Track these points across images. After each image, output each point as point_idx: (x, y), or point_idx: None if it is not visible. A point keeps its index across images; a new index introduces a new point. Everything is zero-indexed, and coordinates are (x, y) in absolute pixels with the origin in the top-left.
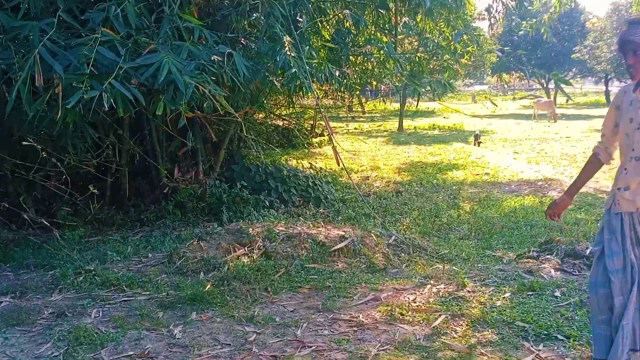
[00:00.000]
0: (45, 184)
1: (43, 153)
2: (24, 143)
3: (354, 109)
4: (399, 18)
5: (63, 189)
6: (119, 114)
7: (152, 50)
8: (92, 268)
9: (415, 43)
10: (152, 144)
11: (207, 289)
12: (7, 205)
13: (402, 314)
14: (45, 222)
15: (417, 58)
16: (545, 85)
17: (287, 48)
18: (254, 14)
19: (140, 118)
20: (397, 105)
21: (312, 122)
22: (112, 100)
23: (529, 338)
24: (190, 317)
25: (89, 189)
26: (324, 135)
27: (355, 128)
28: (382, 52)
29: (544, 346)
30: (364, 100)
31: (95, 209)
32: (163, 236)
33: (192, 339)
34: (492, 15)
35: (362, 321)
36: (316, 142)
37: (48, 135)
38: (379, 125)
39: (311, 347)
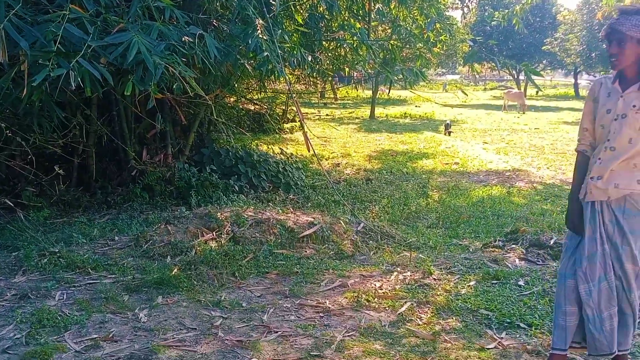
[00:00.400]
0: (9, 163)
1: (7, 132)
2: None
3: (326, 96)
4: (372, 4)
5: (28, 169)
6: (87, 94)
7: (122, 29)
8: (57, 250)
9: (389, 30)
10: (120, 125)
11: (173, 273)
12: None
13: (368, 301)
14: (9, 203)
15: (390, 45)
16: (516, 76)
17: (259, 31)
18: None
19: (109, 98)
20: (369, 93)
21: (283, 108)
22: (79, 79)
23: (492, 326)
24: (156, 301)
25: (54, 170)
26: (295, 121)
27: (327, 114)
28: (355, 38)
29: (506, 334)
30: (336, 86)
31: (61, 190)
32: (130, 219)
33: (158, 322)
34: (465, 4)
35: (329, 307)
36: (287, 128)
37: (13, 114)
38: (351, 112)
39: (277, 332)
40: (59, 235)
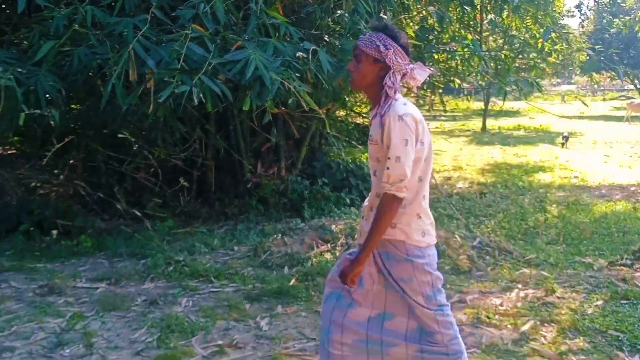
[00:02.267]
0: (135, 176)
1: (136, 146)
2: (119, 136)
3: (434, 108)
4: (484, 15)
5: (152, 182)
6: (207, 109)
7: (240, 46)
8: (182, 259)
9: (500, 40)
10: (236, 139)
11: (291, 283)
12: (101, 196)
13: (488, 318)
14: (137, 213)
15: (502, 56)
16: (638, 86)
17: None
18: (338, 11)
19: (226, 113)
20: (480, 104)
21: None
22: (201, 95)
23: (624, 348)
24: (276, 310)
25: (176, 182)
26: None
27: (436, 127)
28: (466, 49)
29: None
30: (445, 98)
31: (188, 202)
32: (247, 230)
33: (279, 331)
34: (582, 12)
35: None
36: None
37: (138, 129)
38: (462, 125)
39: None
40: (182, 245)
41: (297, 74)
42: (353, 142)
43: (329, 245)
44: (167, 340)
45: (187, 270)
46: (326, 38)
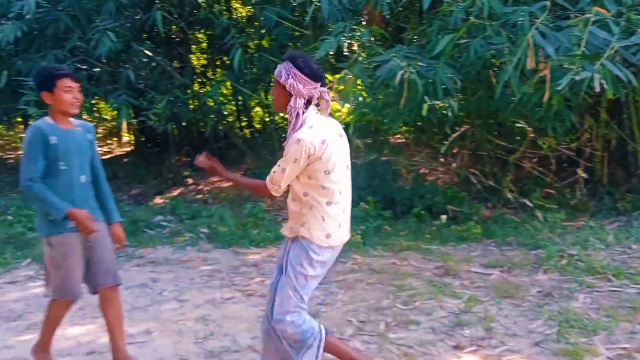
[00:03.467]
0: (522, 165)
1: (532, 135)
2: (518, 125)
3: None
4: None
5: (538, 171)
6: (607, 96)
7: None
8: (575, 252)
9: None
10: (631, 128)
11: None
12: (491, 184)
13: None
14: (529, 203)
15: None
16: None
17: None
18: None
19: (618, 100)
20: None
21: None
22: (602, 81)
23: None
24: None
25: (561, 173)
26: None
27: None
28: None
29: None
30: None
31: (580, 194)
32: None
33: None
34: None
35: None
36: None
37: (527, 118)
38: None
39: None
40: (574, 238)
41: None
42: None
43: None
44: (567, 335)
45: (582, 265)
46: None
